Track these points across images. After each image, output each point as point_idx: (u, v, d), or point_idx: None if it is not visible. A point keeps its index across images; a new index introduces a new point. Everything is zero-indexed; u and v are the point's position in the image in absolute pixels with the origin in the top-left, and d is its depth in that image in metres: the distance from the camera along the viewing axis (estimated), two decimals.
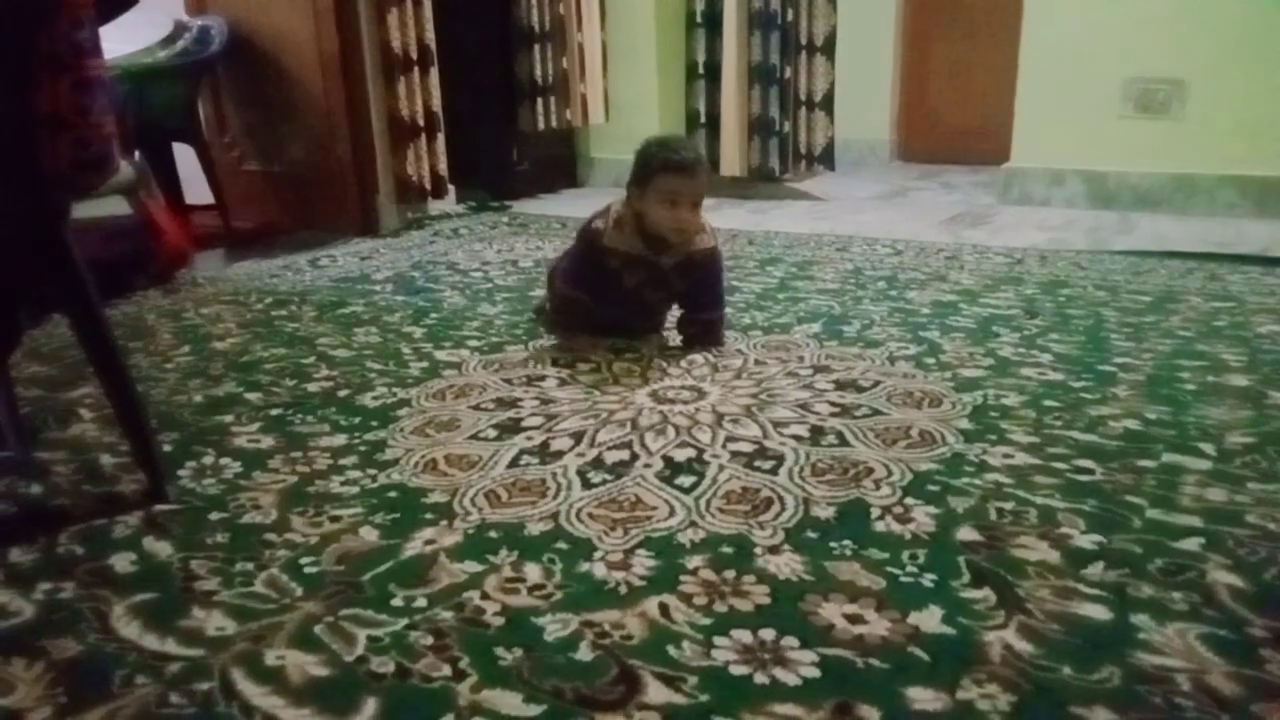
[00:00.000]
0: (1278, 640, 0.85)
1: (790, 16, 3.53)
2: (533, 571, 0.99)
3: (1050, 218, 3.04)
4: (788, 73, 3.59)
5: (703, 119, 3.75)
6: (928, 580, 0.96)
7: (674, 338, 1.84)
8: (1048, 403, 1.44)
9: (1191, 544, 1.01)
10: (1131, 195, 3.11)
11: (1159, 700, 0.77)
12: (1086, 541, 1.03)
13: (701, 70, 3.70)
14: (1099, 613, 0.90)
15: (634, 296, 1.78)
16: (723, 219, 3.23)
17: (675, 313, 1.86)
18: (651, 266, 1.73)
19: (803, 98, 3.69)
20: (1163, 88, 2.99)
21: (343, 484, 1.23)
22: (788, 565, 0.99)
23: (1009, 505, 1.11)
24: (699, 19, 3.65)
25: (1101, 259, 2.45)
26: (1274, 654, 0.83)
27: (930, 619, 0.89)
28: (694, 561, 1.01)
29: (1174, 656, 0.83)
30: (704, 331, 1.78)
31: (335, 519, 1.13)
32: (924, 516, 1.09)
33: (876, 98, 4.73)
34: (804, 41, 3.63)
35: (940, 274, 2.32)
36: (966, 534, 1.05)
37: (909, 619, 0.89)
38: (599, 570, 0.99)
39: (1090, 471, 1.20)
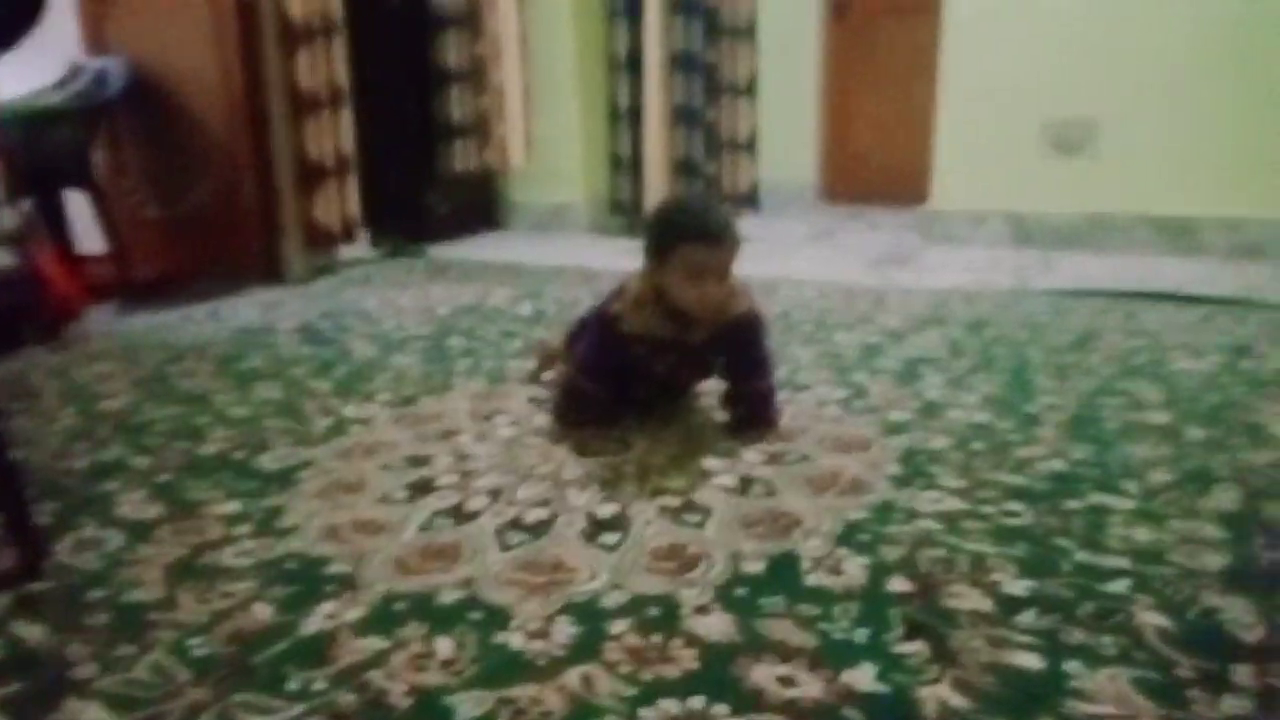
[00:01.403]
0: (1204, 680, 0.87)
1: (712, 59, 3.61)
2: (444, 645, 0.95)
3: (973, 258, 3.14)
4: (711, 115, 3.66)
5: (626, 160, 3.79)
6: (860, 635, 0.95)
7: (704, 411, 1.66)
8: (975, 445, 1.46)
9: (1120, 585, 1.03)
10: (1051, 235, 3.23)
11: None
12: (1018, 588, 1.03)
13: (624, 112, 3.75)
14: (1032, 661, 0.90)
15: (667, 381, 1.62)
16: None
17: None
18: (682, 347, 1.53)
19: (726, 139, 3.77)
20: (1078, 128, 3.13)
21: (236, 555, 1.17)
22: (717, 626, 0.98)
23: (940, 553, 1.12)
24: (620, 60, 3.70)
25: (1023, 298, 2.53)
26: (1201, 694, 0.85)
27: (863, 677, 0.88)
28: (618, 626, 0.98)
29: (1106, 703, 0.84)
30: (756, 407, 1.57)
31: (227, 594, 1.07)
32: (855, 568, 1.09)
33: (800, 139, 4.85)
34: (726, 84, 3.71)
35: (867, 316, 2.37)
36: (898, 584, 1.05)
37: (842, 678, 0.88)
38: (516, 641, 0.96)
39: (1019, 515, 1.22)
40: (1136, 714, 0.82)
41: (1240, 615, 0.97)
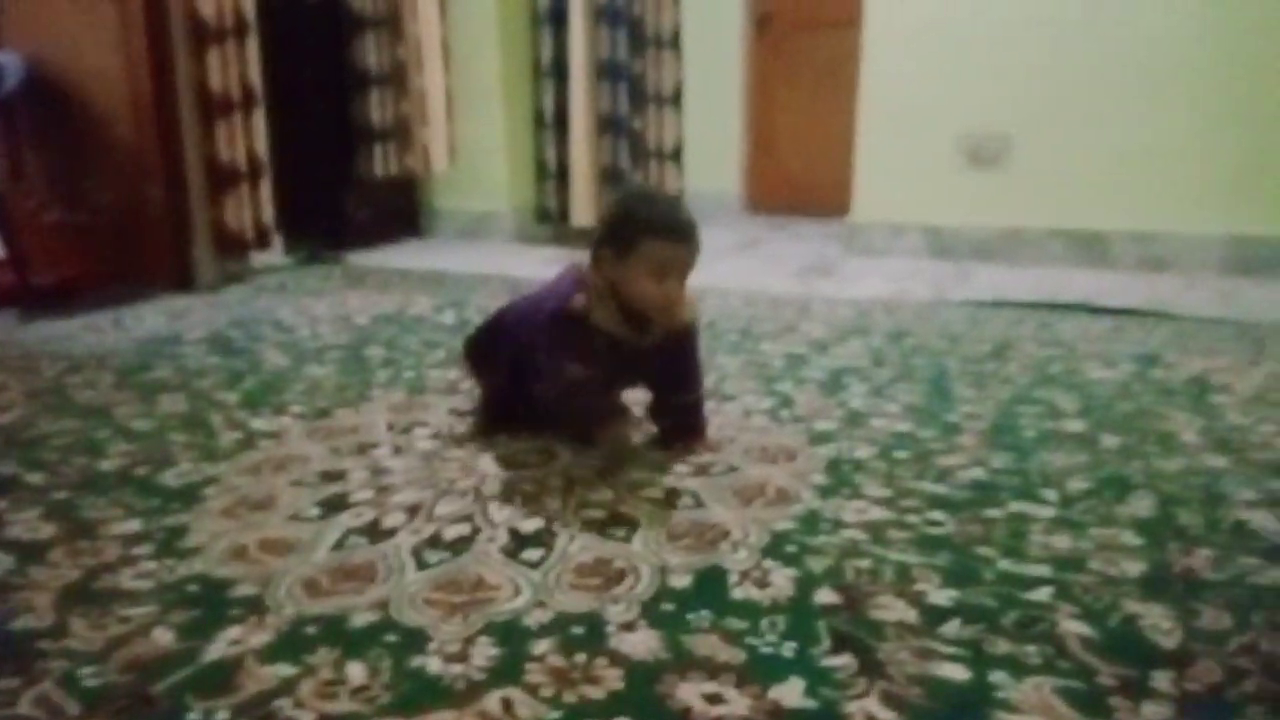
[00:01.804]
0: (1125, 687, 0.88)
1: (637, 68, 3.60)
2: (356, 671, 0.91)
3: (893, 268, 3.19)
4: (637, 124, 3.65)
5: (552, 168, 3.76)
6: (788, 649, 0.94)
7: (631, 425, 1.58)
8: (898, 454, 1.47)
9: (1042, 594, 1.04)
10: (967, 247, 3.31)
11: None
12: (942, 597, 1.04)
13: (550, 119, 3.72)
14: (958, 673, 0.90)
15: (610, 383, 1.52)
16: None
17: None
18: (631, 352, 1.43)
19: (653, 148, 3.76)
20: (992, 142, 3.22)
21: (135, 578, 1.10)
22: (643, 643, 0.95)
23: (866, 563, 1.12)
24: (546, 68, 3.67)
25: (942, 309, 2.58)
26: (1122, 701, 0.86)
27: (792, 692, 0.87)
28: (541, 646, 0.95)
29: (1031, 713, 0.84)
30: (687, 418, 1.53)
31: (124, 620, 1.01)
32: (783, 580, 1.08)
33: (726, 151, 4.89)
34: (652, 93, 3.71)
35: (792, 325, 2.38)
36: (825, 596, 1.04)
37: (770, 694, 0.87)
38: (433, 664, 0.92)
39: (942, 524, 1.22)
40: None
41: (1159, 621, 0.99)
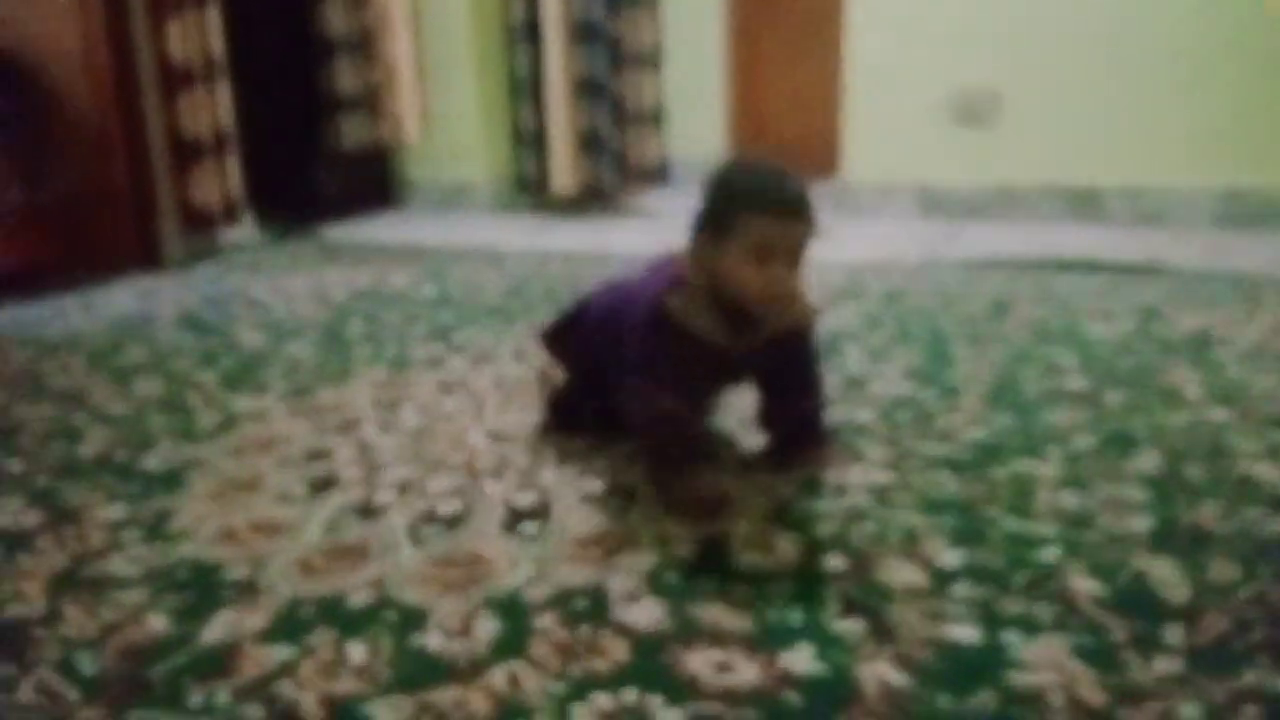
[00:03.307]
0: (1136, 642, 0.89)
1: (615, 29, 3.57)
2: (356, 651, 0.91)
3: (882, 230, 3.20)
4: (615, 87, 3.62)
5: (530, 135, 3.73)
6: (796, 616, 0.95)
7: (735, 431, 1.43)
8: (899, 417, 1.48)
9: (1050, 553, 1.05)
10: (959, 205, 3.32)
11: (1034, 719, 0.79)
12: (950, 559, 1.05)
13: (525, 84, 3.68)
14: (968, 634, 0.91)
15: (707, 392, 1.35)
16: (559, 240, 3.22)
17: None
18: (730, 354, 1.23)
19: (632, 112, 3.74)
20: (982, 99, 3.21)
21: (124, 563, 1.09)
22: (648, 613, 0.96)
23: (871, 527, 1.13)
24: (518, 30, 3.63)
25: (936, 269, 2.58)
26: (1133, 656, 0.87)
27: (801, 658, 0.88)
28: (544, 620, 0.95)
29: (1044, 671, 0.85)
30: (804, 428, 1.32)
31: (117, 606, 1.00)
32: (788, 546, 1.09)
33: (707, 113, 4.85)
34: (631, 54, 3.67)
35: None
36: (832, 561, 1.05)
37: (779, 661, 0.88)
38: (435, 641, 0.92)
39: (946, 485, 1.23)
40: (1074, 681, 0.84)
41: (1168, 576, 1.00)
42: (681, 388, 1.22)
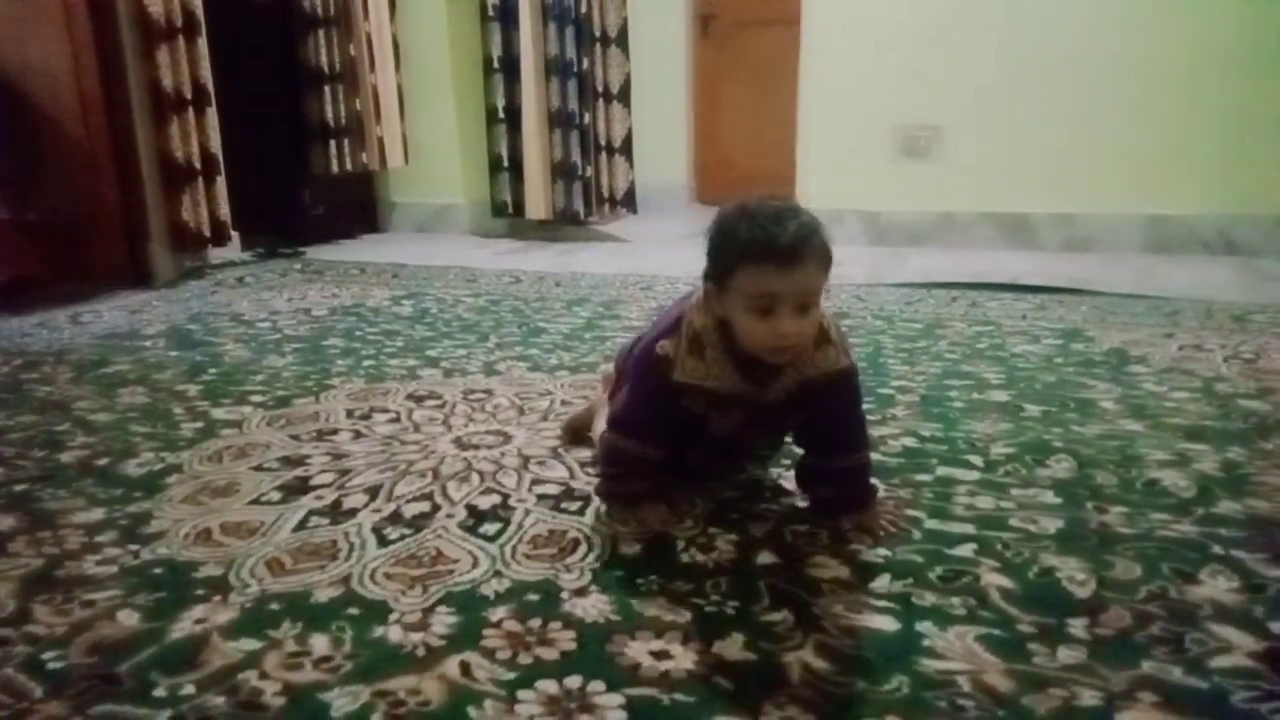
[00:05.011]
0: (1042, 634, 0.91)
1: (585, 64, 3.60)
2: (319, 643, 0.92)
3: (834, 254, 3.23)
4: (587, 119, 3.65)
5: (506, 163, 3.75)
6: (730, 608, 0.97)
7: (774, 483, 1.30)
8: None
9: (966, 550, 1.08)
10: (902, 233, 3.38)
11: (944, 704, 0.81)
12: (874, 556, 1.07)
13: (502, 115, 3.70)
14: (887, 624, 0.94)
15: (732, 445, 1.26)
16: (530, 261, 3.23)
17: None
18: (754, 405, 1.14)
19: (603, 143, 3.77)
20: (924, 134, 3.28)
21: (98, 564, 1.09)
22: (595, 607, 0.97)
23: (803, 528, 1.15)
24: (495, 64, 3.66)
25: (878, 291, 2.63)
26: (1040, 647, 0.89)
27: (733, 647, 0.90)
28: (498, 613, 0.97)
29: (955, 660, 0.88)
30: (848, 488, 1.17)
31: (88, 604, 1.00)
32: (726, 545, 1.11)
33: (674, 144, 4.91)
34: (600, 89, 3.71)
35: None
36: (766, 558, 1.07)
37: (713, 649, 0.90)
38: (394, 634, 0.93)
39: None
40: (983, 668, 0.86)
41: (1074, 573, 1.03)
42: (660, 437, 1.15)
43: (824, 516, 1.17)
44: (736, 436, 1.21)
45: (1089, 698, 0.82)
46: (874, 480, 1.21)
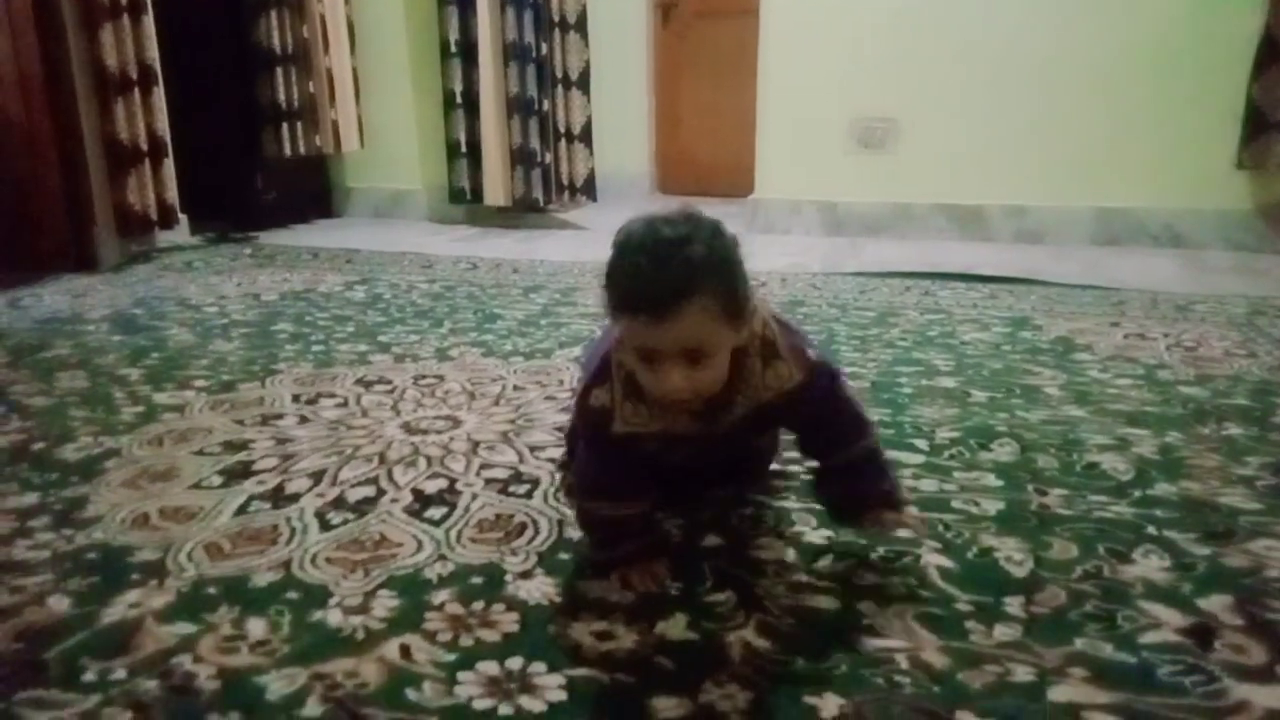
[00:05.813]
0: (979, 612, 0.93)
1: (544, 50, 3.58)
2: (256, 627, 0.91)
3: (790, 244, 3.26)
4: (546, 105, 3.63)
5: (464, 148, 3.71)
6: (674, 588, 0.97)
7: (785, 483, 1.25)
8: None
9: (907, 531, 1.09)
10: (859, 223, 3.40)
11: (881, 681, 0.82)
12: (817, 537, 1.08)
13: (459, 100, 3.67)
14: (828, 603, 0.95)
15: (699, 466, 1.16)
16: (488, 248, 3.21)
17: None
18: (708, 437, 1.01)
19: (562, 130, 3.75)
20: (881, 126, 3.31)
21: (30, 549, 1.07)
22: (539, 589, 0.97)
23: (749, 510, 1.16)
24: (453, 48, 3.62)
25: (833, 280, 2.65)
26: (976, 625, 0.91)
27: (675, 627, 0.90)
28: (441, 596, 0.96)
29: (894, 637, 0.89)
30: (860, 483, 1.05)
31: (17, 589, 0.98)
32: (672, 528, 1.11)
33: (635, 133, 4.90)
34: (560, 75, 3.69)
35: None
36: (711, 540, 1.08)
37: (656, 629, 0.90)
38: (334, 618, 0.92)
39: None
40: (921, 646, 0.87)
41: (1012, 553, 1.05)
42: (629, 490, 1.02)
43: (845, 523, 1.09)
44: (707, 454, 1.10)
45: (1022, 673, 0.83)
46: (894, 479, 1.08)
